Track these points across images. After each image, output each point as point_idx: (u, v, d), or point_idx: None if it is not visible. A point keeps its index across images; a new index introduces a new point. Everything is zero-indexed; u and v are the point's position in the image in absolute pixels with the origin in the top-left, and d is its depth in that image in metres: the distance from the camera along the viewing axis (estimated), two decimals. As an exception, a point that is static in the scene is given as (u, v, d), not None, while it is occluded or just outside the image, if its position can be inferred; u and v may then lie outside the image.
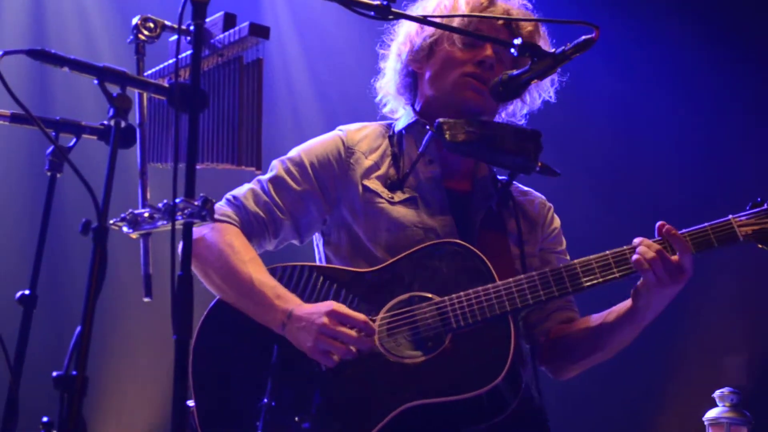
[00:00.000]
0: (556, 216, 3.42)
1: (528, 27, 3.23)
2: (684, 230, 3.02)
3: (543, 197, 3.45)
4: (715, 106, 6.97)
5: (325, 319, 2.89)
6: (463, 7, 3.20)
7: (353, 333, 2.90)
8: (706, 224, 3.02)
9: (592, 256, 3.03)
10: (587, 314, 3.28)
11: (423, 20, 3.03)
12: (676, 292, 3.00)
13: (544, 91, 3.36)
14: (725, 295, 6.37)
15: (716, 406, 5.97)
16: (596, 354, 3.22)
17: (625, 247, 3.03)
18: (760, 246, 3.01)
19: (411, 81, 3.36)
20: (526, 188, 3.44)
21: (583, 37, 2.72)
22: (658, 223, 3.05)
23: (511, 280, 3.00)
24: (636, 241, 3.01)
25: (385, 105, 3.44)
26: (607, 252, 3.03)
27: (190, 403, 2.94)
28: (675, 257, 2.95)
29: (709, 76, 6.97)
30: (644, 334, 3.18)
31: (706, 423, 5.95)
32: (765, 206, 3.04)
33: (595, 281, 3.00)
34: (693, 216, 3.12)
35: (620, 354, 3.30)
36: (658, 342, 6.08)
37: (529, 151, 3.09)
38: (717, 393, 5.98)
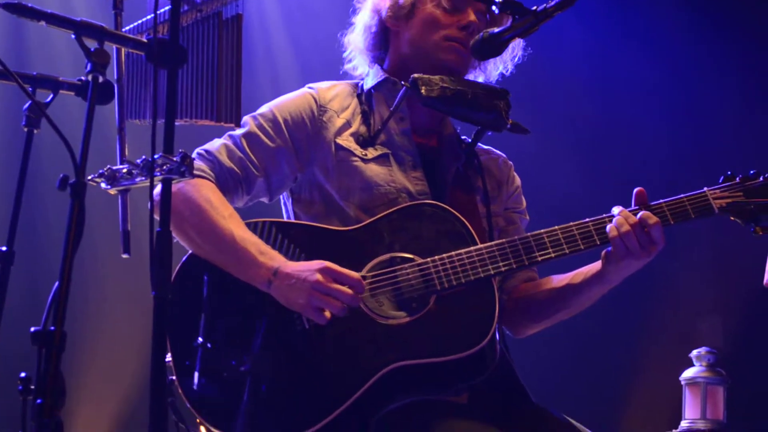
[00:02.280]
0: (516, 175, 3.44)
1: None
2: (661, 200, 3.05)
3: (504, 155, 3.46)
4: (698, 67, 6.98)
5: (318, 276, 2.88)
6: None
7: (348, 290, 2.90)
8: (682, 195, 3.06)
9: (572, 223, 3.04)
10: (549, 274, 3.30)
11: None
12: (646, 262, 3.04)
13: (503, 63, 3.35)
14: (700, 256, 6.40)
15: (693, 366, 6.02)
16: (560, 313, 3.26)
17: (605, 215, 3.05)
18: (732, 218, 3.07)
19: (383, 38, 3.34)
20: (487, 147, 3.45)
21: (564, -5, 2.72)
22: (636, 190, 3.07)
23: (493, 243, 3.01)
24: (615, 210, 3.03)
25: (350, 61, 3.42)
26: (587, 220, 3.05)
27: (168, 358, 2.93)
28: (647, 229, 2.98)
29: (692, 35, 6.97)
30: (620, 295, 3.21)
31: (683, 383, 6.01)
32: (737, 179, 3.09)
33: (576, 249, 3.03)
34: (673, 180, 3.15)
35: (596, 315, 3.33)
36: (634, 303, 6.12)
37: (500, 109, 3.10)
38: (694, 353, 6.03)
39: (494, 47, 2.92)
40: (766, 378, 6.48)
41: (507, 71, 3.39)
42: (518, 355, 3.23)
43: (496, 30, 2.90)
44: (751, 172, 3.09)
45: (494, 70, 3.37)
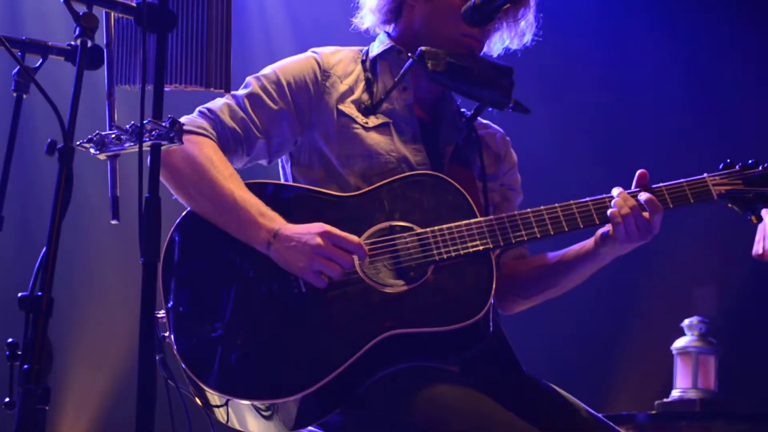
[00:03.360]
0: (513, 152, 3.44)
1: None
2: (661, 184, 3.07)
3: (502, 131, 3.46)
4: (712, 51, 6.98)
5: (319, 240, 2.88)
6: None
7: (348, 255, 2.90)
8: (682, 180, 3.09)
9: (572, 202, 3.05)
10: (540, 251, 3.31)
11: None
12: (639, 245, 3.05)
13: (509, 37, 3.33)
14: (695, 226, 6.41)
15: (684, 335, 6.04)
16: (549, 290, 3.28)
17: (605, 195, 3.06)
18: (730, 205, 3.13)
19: (396, 5, 3.32)
20: (486, 121, 3.44)
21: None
22: (638, 172, 3.09)
23: (492, 217, 3.02)
24: (615, 191, 3.04)
25: (361, 18, 3.39)
26: (588, 199, 3.06)
27: (161, 314, 2.92)
28: (646, 213, 2.99)
29: (703, 22, 6.97)
30: (613, 265, 3.22)
31: (674, 352, 6.03)
32: (737, 167, 3.12)
33: (575, 228, 3.04)
34: (678, 165, 3.17)
35: (589, 285, 3.34)
36: (627, 273, 6.13)
37: (505, 86, 3.12)
38: (685, 322, 6.05)
39: (485, 14, 2.91)
40: (758, 347, 6.52)
41: (518, 45, 3.36)
42: (511, 326, 3.24)
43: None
44: (750, 161, 3.12)
45: (499, 42, 3.36)
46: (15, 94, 2.48)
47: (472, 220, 2.99)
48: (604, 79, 7.07)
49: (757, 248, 5.45)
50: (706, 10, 6.96)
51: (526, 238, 3.02)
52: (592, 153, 6.91)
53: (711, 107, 6.95)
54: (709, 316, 6.10)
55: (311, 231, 2.89)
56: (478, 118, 3.35)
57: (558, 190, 3.53)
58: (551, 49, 3.44)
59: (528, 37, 3.33)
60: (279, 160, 3.27)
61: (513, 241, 3.01)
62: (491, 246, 2.97)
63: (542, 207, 3.05)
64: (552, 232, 3.03)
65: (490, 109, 3.24)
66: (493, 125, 3.45)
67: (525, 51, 3.32)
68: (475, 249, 2.95)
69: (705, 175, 3.11)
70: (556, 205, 3.05)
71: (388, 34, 3.30)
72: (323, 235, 2.88)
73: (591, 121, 7.05)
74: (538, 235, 3.02)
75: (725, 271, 6.76)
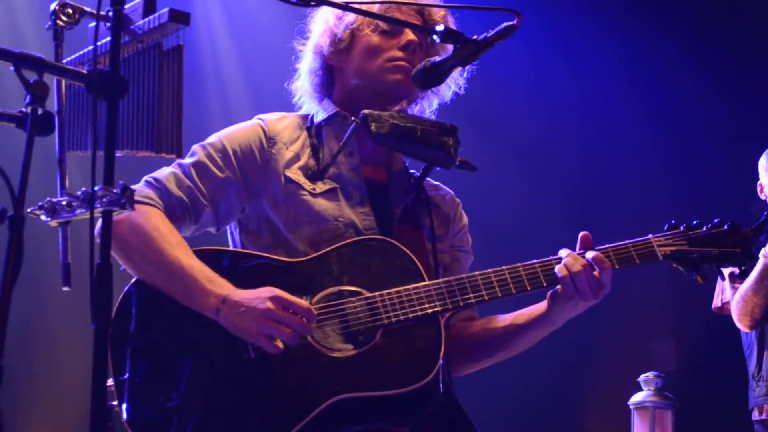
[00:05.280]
0: (464, 213, 3.46)
1: (440, 12, 3.26)
2: (607, 245, 3.10)
3: (452, 192, 3.48)
4: (674, 111, 7.07)
5: (269, 304, 2.87)
6: None
7: (299, 319, 2.90)
8: (627, 242, 3.12)
9: (519, 264, 3.07)
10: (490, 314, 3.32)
11: (345, 6, 3.02)
12: (591, 305, 3.08)
13: (454, 82, 3.37)
14: (651, 281, 6.46)
15: (641, 390, 6.07)
16: (500, 353, 3.28)
17: (551, 258, 3.08)
18: (675, 265, 3.15)
19: (328, 77, 3.35)
20: (436, 182, 3.47)
21: (505, 24, 2.73)
22: (581, 235, 3.12)
23: (441, 280, 3.02)
24: (562, 253, 3.07)
25: (301, 107, 3.42)
26: (534, 261, 3.08)
27: (110, 382, 2.90)
28: (596, 272, 3.02)
29: (668, 69, 7.05)
30: (570, 321, 3.23)
31: (631, 407, 6.05)
32: (681, 228, 3.17)
33: (522, 290, 3.06)
34: (631, 224, 3.21)
35: (545, 340, 3.35)
36: (584, 327, 6.15)
37: (449, 146, 3.14)
38: (642, 377, 6.07)
39: (435, 76, 2.93)
40: (715, 402, 6.55)
41: (460, 89, 3.40)
42: (463, 385, 3.24)
43: (438, 59, 2.91)
44: (695, 222, 3.18)
45: (447, 90, 3.39)
46: (-35, 162, 2.47)
47: (421, 284, 3.00)
48: (572, 140, 7.13)
49: (716, 302, 5.52)
50: (673, 63, 7.04)
51: (474, 301, 3.02)
52: (554, 214, 6.94)
53: (682, 163, 7.02)
54: (665, 370, 6.13)
55: (261, 296, 2.89)
56: (429, 179, 3.36)
57: (518, 251, 3.54)
58: (512, 107, 3.48)
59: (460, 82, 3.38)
60: (227, 227, 3.27)
61: (461, 304, 3.02)
62: (440, 309, 2.98)
63: (490, 270, 3.06)
64: (500, 295, 3.04)
65: (438, 168, 3.25)
66: (443, 187, 3.47)
67: (486, 109, 3.36)
68: (423, 312, 2.96)
69: (650, 236, 3.14)
70: (504, 267, 3.06)
71: (330, 101, 3.32)
72: (273, 299, 2.88)
73: (552, 182, 7.09)
74: (486, 298, 3.03)
75: (681, 326, 6.80)
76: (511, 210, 6.62)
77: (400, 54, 3.21)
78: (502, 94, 6.14)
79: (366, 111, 3.10)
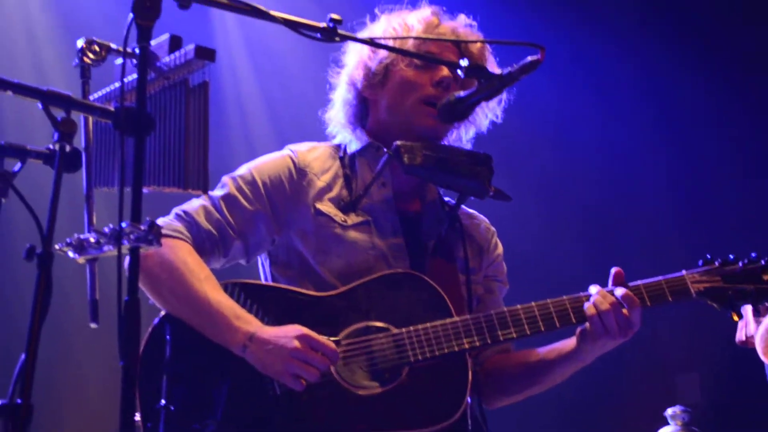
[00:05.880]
0: (499, 242, 3.44)
1: (477, 45, 3.26)
2: (639, 281, 3.07)
3: (487, 221, 3.47)
4: (697, 150, 7.05)
5: (296, 343, 2.87)
6: (416, 27, 3.23)
7: (325, 359, 2.89)
8: (660, 278, 3.08)
9: (549, 300, 3.05)
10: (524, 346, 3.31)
11: (369, 42, 3.03)
12: (620, 342, 3.05)
13: (491, 111, 3.37)
14: (676, 313, 6.41)
15: (668, 424, 6.01)
16: (532, 388, 3.27)
17: (581, 294, 3.06)
18: (709, 302, 3.07)
19: (362, 109, 3.36)
20: (471, 211, 3.46)
21: (529, 58, 2.73)
22: (614, 271, 3.09)
23: (469, 317, 3.01)
24: (592, 289, 3.05)
25: (335, 137, 3.43)
26: (564, 297, 3.06)
27: (138, 417, 2.90)
28: (626, 311, 2.99)
29: (687, 102, 7.04)
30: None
31: (658, 441, 6.00)
32: (716, 263, 3.10)
33: (551, 327, 3.04)
34: (659, 257, 3.18)
35: (571, 376, 3.33)
36: (611, 360, 6.11)
37: (483, 175, 3.12)
38: (669, 411, 6.02)
39: (460, 111, 2.94)
40: (743, 434, 6.49)
41: (497, 117, 3.40)
42: (493, 420, 3.22)
43: (462, 94, 2.92)
44: (731, 256, 3.10)
45: (483, 119, 3.38)
46: (-7, 199, 2.48)
47: (449, 320, 2.99)
48: (593, 171, 7.11)
49: (740, 335, 5.46)
50: (695, 107, 7.03)
51: (501, 339, 3.02)
52: (578, 245, 6.92)
53: (698, 200, 6.99)
54: (692, 404, 6.07)
55: (288, 334, 2.88)
56: (463, 207, 3.35)
57: (543, 283, 3.53)
58: (538, 140, 3.47)
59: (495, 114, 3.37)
60: (258, 259, 3.27)
61: (489, 342, 3.01)
62: (467, 347, 2.97)
63: (519, 306, 3.05)
64: (528, 333, 3.02)
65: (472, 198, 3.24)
66: (478, 215, 3.46)
67: (511, 142, 3.36)
68: (450, 350, 2.95)
69: (683, 272, 3.09)
70: (533, 303, 3.04)
71: (364, 130, 3.33)
72: (300, 338, 2.87)
73: (578, 213, 7.07)
74: (515, 336, 3.02)
75: (708, 359, 6.75)
76: (532, 238, 6.60)
77: (433, 91, 3.21)
78: (522, 124, 6.13)
79: (399, 142, 3.10)
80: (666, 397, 6.36)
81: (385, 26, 3.29)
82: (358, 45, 3.31)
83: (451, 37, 3.25)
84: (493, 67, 3.20)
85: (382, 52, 3.24)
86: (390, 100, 3.26)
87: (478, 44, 3.26)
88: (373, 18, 3.35)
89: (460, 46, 3.25)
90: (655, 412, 6.14)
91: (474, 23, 3.36)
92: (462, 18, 3.35)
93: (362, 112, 3.35)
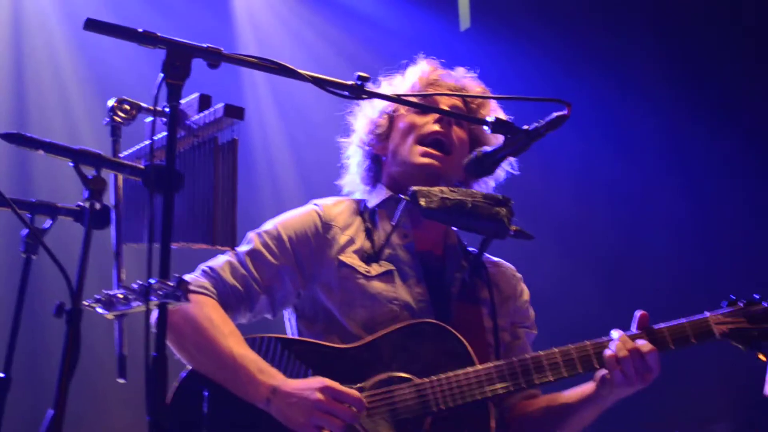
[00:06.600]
0: (525, 287, 3.45)
1: (478, 100, 3.31)
2: (662, 324, 3.07)
3: (513, 267, 3.48)
4: (710, 187, 7.04)
5: (319, 395, 2.88)
6: (418, 79, 3.28)
7: (349, 409, 2.89)
8: (683, 320, 3.08)
9: (571, 346, 3.05)
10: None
11: (395, 99, 3.06)
12: (640, 388, 3.04)
13: (509, 164, 3.39)
14: (707, 361, 6.36)
15: (701, 476, 5.95)
16: None
17: (603, 338, 3.06)
18: (734, 344, 3.06)
19: (375, 167, 3.40)
20: (496, 259, 3.46)
21: (556, 114, 2.74)
22: (638, 315, 3.09)
23: (491, 365, 3.01)
24: (614, 334, 3.04)
25: (349, 187, 3.47)
26: (587, 342, 3.06)
27: None
28: (643, 356, 2.97)
29: (704, 149, 7.04)
30: (631, 400, 3.19)
31: (691, 495, 5.93)
32: (740, 304, 3.08)
33: (574, 373, 3.04)
34: (682, 296, 3.17)
35: (604, 420, 3.31)
36: (638, 409, 6.06)
37: (502, 216, 3.12)
38: (702, 462, 5.96)
39: (487, 166, 2.95)
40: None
41: (514, 169, 3.42)
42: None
43: (489, 149, 2.93)
44: (756, 296, 3.09)
45: (502, 171, 3.41)
46: (24, 255, 2.50)
47: (471, 369, 2.99)
48: (611, 216, 7.11)
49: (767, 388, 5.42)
50: (711, 154, 7.03)
51: (524, 386, 3.01)
52: (597, 288, 6.90)
53: (719, 241, 6.96)
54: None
55: (311, 386, 2.89)
56: (489, 255, 3.36)
57: (563, 327, 3.52)
58: (557, 185, 3.48)
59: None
60: (284, 313, 3.29)
61: (512, 389, 3.01)
62: (489, 395, 2.97)
63: (541, 352, 3.05)
64: (551, 379, 3.02)
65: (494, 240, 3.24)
66: (503, 262, 3.47)
67: (530, 189, 3.36)
68: (472, 398, 2.95)
69: (707, 314, 3.08)
70: (555, 349, 3.04)
71: (384, 186, 3.36)
72: (323, 390, 2.88)
73: (597, 255, 7.05)
74: (537, 382, 3.02)
75: (742, 408, 6.68)
76: (551, 282, 6.57)
77: (436, 127, 3.24)
78: (541, 169, 6.14)
79: (414, 187, 3.11)
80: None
81: (388, 80, 3.35)
82: (364, 107, 3.37)
83: (459, 89, 3.30)
84: (496, 113, 3.24)
85: (383, 105, 3.30)
86: (394, 147, 3.31)
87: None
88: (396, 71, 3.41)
89: (465, 99, 3.30)
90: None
91: (473, 73, 3.41)
92: (461, 70, 3.41)
93: (376, 170, 3.40)
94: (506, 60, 6.75)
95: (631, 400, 3.18)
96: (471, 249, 3.42)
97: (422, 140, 3.27)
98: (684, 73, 7.04)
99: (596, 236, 7.07)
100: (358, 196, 3.44)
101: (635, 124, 7.17)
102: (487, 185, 3.42)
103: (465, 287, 3.27)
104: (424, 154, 3.25)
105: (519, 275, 3.48)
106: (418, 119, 3.31)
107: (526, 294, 3.46)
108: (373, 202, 3.36)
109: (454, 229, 3.40)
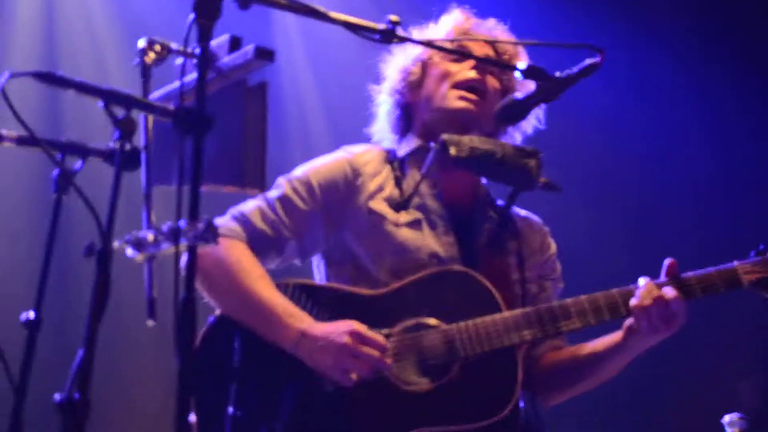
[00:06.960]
0: (553, 241, 3.44)
1: (510, 52, 3.28)
2: (690, 273, 3.06)
3: (541, 221, 3.47)
4: (735, 137, 6.99)
5: (347, 338, 2.90)
6: (452, 27, 3.26)
7: (375, 353, 2.91)
8: (711, 269, 3.08)
9: (599, 294, 3.05)
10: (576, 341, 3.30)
11: (427, 44, 3.04)
12: (667, 336, 3.03)
13: (535, 116, 3.37)
14: (740, 316, 6.34)
15: None
16: (583, 383, 3.27)
17: (631, 286, 3.06)
18: (760, 293, 3.05)
19: (406, 116, 3.38)
20: (524, 212, 3.46)
21: (588, 61, 2.72)
22: (667, 262, 3.08)
23: (518, 312, 3.02)
24: (641, 281, 3.03)
25: (380, 137, 3.45)
26: (614, 290, 3.05)
27: (193, 418, 2.93)
28: (668, 303, 2.96)
29: (729, 96, 6.98)
30: (653, 356, 3.20)
31: (715, 448, 5.93)
32: None
33: (601, 319, 3.03)
34: (707, 249, 3.16)
35: (627, 378, 3.31)
36: (664, 365, 6.06)
37: (531, 167, 3.12)
38: (725, 419, 5.94)
39: (518, 113, 2.93)
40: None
41: (541, 123, 3.40)
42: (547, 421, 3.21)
43: (520, 96, 2.91)
44: None
45: (528, 125, 3.39)
46: (55, 196, 2.51)
47: (498, 315, 2.99)
48: (639, 163, 7.08)
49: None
50: (741, 108, 6.97)
51: (551, 332, 3.01)
52: (626, 238, 6.88)
53: (748, 191, 6.92)
54: (751, 411, 6.00)
55: (338, 330, 2.91)
56: (517, 208, 3.36)
57: (591, 277, 3.51)
58: (582, 136, 3.46)
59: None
60: (313, 259, 3.29)
61: (539, 336, 3.02)
62: (516, 341, 2.98)
63: (568, 300, 3.04)
64: (579, 325, 3.02)
65: (522, 193, 3.23)
66: (531, 216, 3.47)
67: (555, 138, 3.35)
68: (499, 344, 2.96)
69: (735, 263, 3.08)
70: (582, 297, 3.04)
71: (413, 135, 3.34)
72: (351, 333, 2.90)
73: (625, 205, 7.03)
74: (564, 329, 3.02)
75: (765, 364, 6.67)
76: (579, 234, 6.56)
77: (472, 74, 3.22)
78: (568, 123, 6.10)
79: (445, 135, 3.10)
80: (724, 403, 6.28)
81: (424, 28, 3.33)
82: (396, 54, 3.35)
83: (489, 37, 3.28)
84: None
85: (416, 53, 3.27)
86: (428, 94, 3.30)
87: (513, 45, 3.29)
88: (427, 21, 3.38)
89: (496, 47, 3.28)
90: (711, 420, 6.08)
91: (505, 26, 3.39)
92: (492, 21, 3.38)
93: (406, 119, 3.38)
94: (534, 12, 6.70)
95: (650, 353, 3.18)
96: (499, 202, 3.41)
97: (458, 86, 3.25)
98: (712, 24, 6.97)
99: (624, 187, 7.05)
100: (387, 144, 3.43)
101: (662, 73, 7.11)
102: (514, 138, 3.40)
103: (493, 239, 3.28)
104: (461, 98, 3.24)
105: (547, 228, 3.48)
106: (453, 66, 3.29)
107: (553, 248, 3.46)
108: (402, 151, 3.35)
109: (483, 181, 3.39)
